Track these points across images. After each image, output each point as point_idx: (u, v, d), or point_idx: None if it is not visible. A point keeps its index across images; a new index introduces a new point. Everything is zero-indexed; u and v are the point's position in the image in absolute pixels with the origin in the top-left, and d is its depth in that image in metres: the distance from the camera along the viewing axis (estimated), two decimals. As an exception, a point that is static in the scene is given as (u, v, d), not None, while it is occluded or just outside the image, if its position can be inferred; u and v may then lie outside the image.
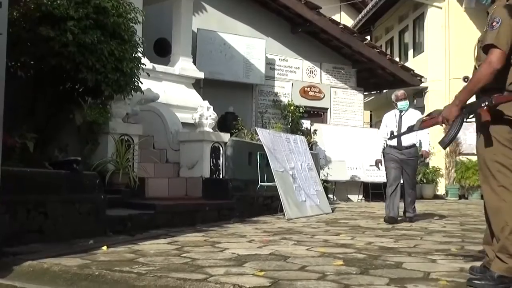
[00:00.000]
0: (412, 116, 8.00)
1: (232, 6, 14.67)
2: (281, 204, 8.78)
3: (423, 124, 4.11)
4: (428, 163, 16.92)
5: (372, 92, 19.81)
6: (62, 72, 6.71)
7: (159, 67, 11.09)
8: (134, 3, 7.67)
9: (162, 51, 12.60)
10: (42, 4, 6.38)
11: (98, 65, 6.63)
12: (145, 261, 4.28)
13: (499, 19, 3.38)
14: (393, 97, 8.55)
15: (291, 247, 5.24)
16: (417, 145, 8.55)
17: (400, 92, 8.56)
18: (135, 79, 7.46)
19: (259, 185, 9.34)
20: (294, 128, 14.69)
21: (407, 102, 8.50)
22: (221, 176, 9.32)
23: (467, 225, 7.84)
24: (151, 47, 11.84)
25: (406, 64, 18.30)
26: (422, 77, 17.09)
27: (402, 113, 8.42)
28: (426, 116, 4.81)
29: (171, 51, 12.05)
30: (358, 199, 15.47)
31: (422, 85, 17.53)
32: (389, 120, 8.65)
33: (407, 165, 8.34)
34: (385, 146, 8.67)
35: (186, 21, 11.97)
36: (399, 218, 8.30)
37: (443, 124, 3.74)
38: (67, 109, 7.49)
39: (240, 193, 8.98)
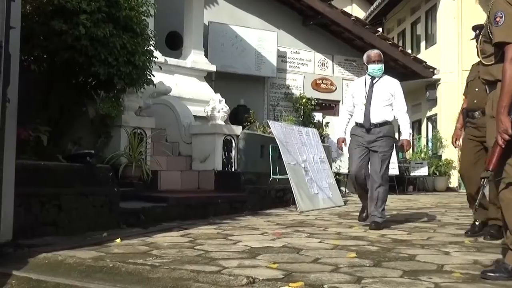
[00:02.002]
0: (388, 86, 6.38)
1: (243, -1, 14.65)
2: (294, 196, 8.77)
3: (493, 163, 3.40)
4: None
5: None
6: (75, 65, 6.74)
7: (171, 60, 11.10)
8: (146, -4, 7.68)
9: (174, 44, 12.61)
10: (54, -2, 6.40)
11: (110, 59, 6.65)
12: (158, 254, 4.30)
13: (501, 13, 3.32)
14: (364, 58, 6.57)
15: (304, 240, 5.24)
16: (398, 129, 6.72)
17: (374, 51, 6.57)
18: (147, 72, 7.48)
19: (271, 178, 9.33)
20: (306, 121, 14.65)
21: (381, 66, 6.44)
22: (233, 169, 9.33)
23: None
24: (163, 40, 11.85)
25: (418, 56, 18.18)
26: (434, 69, 16.98)
27: (374, 81, 6.41)
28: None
29: (183, 44, 12.06)
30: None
31: (434, 77, 17.42)
32: (357, 89, 6.56)
33: (375, 147, 6.23)
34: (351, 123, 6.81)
35: (198, 14, 11.97)
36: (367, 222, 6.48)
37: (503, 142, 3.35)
38: (80, 103, 7.54)
39: (252, 186, 8.98)
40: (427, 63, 16.71)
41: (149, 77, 7.60)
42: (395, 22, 23.39)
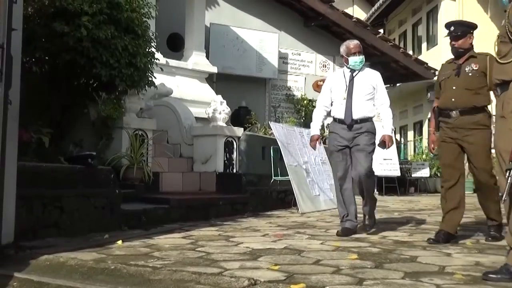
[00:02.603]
0: (369, 79, 5.85)
1: (244, 0, 14.65)
2: (295, 198, 8.77)
3: None
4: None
5: (385, 86, 19.71)
6: (77, 67, 6.75)
7: (173, 62, 11.11)
8: (147, -2, 7.69)
9: (175, 46, 12.62)
10: (56, 0, 6.41)
11: (112, 60, 6.66)
12: (160, 255, 4.30)
13: None
14: (342, 49, 5.91)
15: (305, 241, 5.24)
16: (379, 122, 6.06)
17: (353, 42, 5.93)
18: (149, 74, 7.49)
19: (272, 180, 9.33)
20: (308, 122, 14.64)
21: (362, 58, 5.84)
22: (234, 171, 9.33)
23: (482, 219, 7.77)
24: (164, 42, 11.87)
25: (420, 57, 18.19)
26: (436, 70, 16.95)
27: (354, 73, 5.84)
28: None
29: (184, 46, 12.08)
30: (371, 193, 15.41)
31: (436, 78, 17.41)
32: (336, 82, 5.93)
33: (357, 144, 5.71)
34: (330, 120, 6.21)
35: (199, 15, 11.98)
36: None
37: None
38: (81, 104, 7.55)
39: (254, 187, 8.98)
40: (429, 65, 16.71)
41: (150, 79, 7.60)
42: (397, 23, 23.40)
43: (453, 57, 5.46)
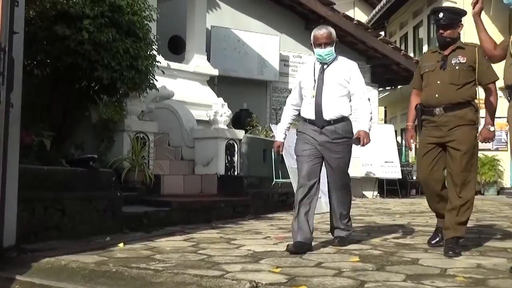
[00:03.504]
0: (342, 71, 4.98)
1: (245, 3, 14.66)
2: (296, 200, 8.75)
3: None
4: None
5: (386, 88, 19.72)
6: (78, 70, 6.75)
7: (174, 65, 11.11)
8: (149, 0, 7.68)
9: (176, 48, 12.63)
10: (58, 3, 6.43)
11: (113, 63, 6.66)
12: (161, 258, 4.31)
13: None
14: (311, 38, 5.10)
15: (306, 244, 5.23)
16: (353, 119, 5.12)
17: (321, 30, 5.00)
18: (150, 77, 7.49)
19: (274, 182, 9.34)
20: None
21: (330, 50, 4.95)
22: (236, 173, 9.33)
23: (484, 221, 7.79)
24: (165, 45, 11.86)
25: (421, 59, 18.16)
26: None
27: (325, 66, 5.01)
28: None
29: (185, 48, 12.08)
30: (373, 195, 15.42)
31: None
32: (305, 77, 5.11)
33: (331, 152, 4.92)
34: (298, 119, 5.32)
35: (200, 18, 11.99)
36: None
37: None
38: (83, 107, 7.55)
39: (255, 189, 8.98)
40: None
41: (152, 82, 7.61)
42: (397, 25, 23.40)
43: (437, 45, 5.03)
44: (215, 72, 12.15)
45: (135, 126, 8.00)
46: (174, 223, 6.75)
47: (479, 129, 4.74)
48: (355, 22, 15.37)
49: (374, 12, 22.47)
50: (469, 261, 4.24)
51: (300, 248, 4.59)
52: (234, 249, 4.87)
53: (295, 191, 5.10)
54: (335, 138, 4.90)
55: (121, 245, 4.93)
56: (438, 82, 4.76)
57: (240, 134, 9.55)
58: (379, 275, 3.68)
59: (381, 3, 21.50)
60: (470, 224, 7.12)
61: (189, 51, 11.89)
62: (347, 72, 4.99)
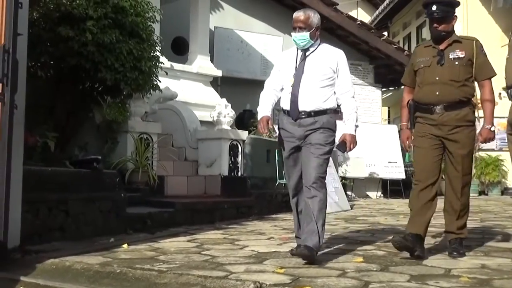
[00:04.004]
0: (327, 59, 4.45)
1: (248, 3, 14.66)
2: (300, 201, 8.74)
3: None
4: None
5: (390, 88, 19.68)
6: (82, 71, 6.78)
7: (177, 66, 11.13)
8: (152, 2, 7.72)
9: (179, 49, 12.64)
10: (61, 4, 6.45)
11: (117, 64, 6.69)
12: (165, 259, 4.31)
13: None
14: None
15: (310, 244, 5.23)
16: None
17: (297, 14, 4.47)
18: (154, 78, 7.51)
19: (277, 183, 9.33)
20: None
21: (304, 36, 4.40)
22: (239, 174, 9.33)
23: (488, 222, 7.77)
24: (169, 46, 11.88)
25: (424, 59, 18.12)
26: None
27: (308, 53, 4.48)
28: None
29: (188, 49, 12.09)
30: (376, 196, 15.40)
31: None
32: (286, 63, 4.59)
33: (309, 140, 4.35)
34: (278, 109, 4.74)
35: (203, 19, 12.01)
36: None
37: None
38: (86, 108, 7.58)
39: (259, 190, 8.98)
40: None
41: (155, 83, 7.63)
42: (401, 25, 23.36)
43: (430, 40, 4.73)
44: (218, 73, 12.16)
45: (138, 127, 8.01)
46: (178, 224, 6.75)
47: (477, 128, 4.57)
48: (358, 22, 15.35)
49: (377, 12, 22.44)
50: (474, 262, 4.23)
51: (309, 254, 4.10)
52: (238, 249, 4.87)
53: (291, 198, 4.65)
54: (314, 128, 4.34)
55: (125, 246, 4.94)
56: (437, 78, 4.44)
57: (244, 134, 9.55)
58: (383, 275, 3.68)
59: (384, 3, 21.47)
60: (474, 224, 7.13)
61: (192, 52, 11.91)
62: (333, 61, 4.45)
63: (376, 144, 15.03)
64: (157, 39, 7.70)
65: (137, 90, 7.35)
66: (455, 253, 4.43)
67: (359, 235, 6.02)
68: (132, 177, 7.49)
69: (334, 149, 4.54)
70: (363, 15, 22.58)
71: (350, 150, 4.48)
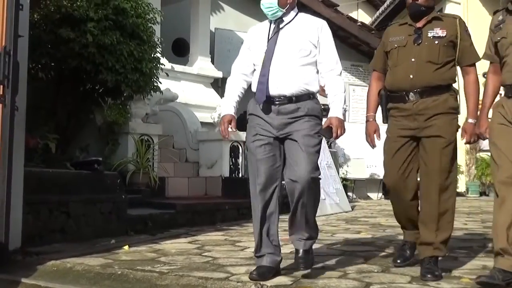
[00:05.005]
0: (305, 31, 3.75)
1: (249, 5, 14.63)
2: (301, 202, 8.73)
3: None
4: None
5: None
6: (82, 73, 6.78)
7: (178, 67, 11.13)
8: (153, 3, 7.72)
9: (180, 51, 12.64)
10: (62, 6, 6.46)
11: (117, 66, 6.69)
12: (166, 260, 4.31)
13: None
14: None
15: (311, 246, 5.23)
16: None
17: None
18: (154, 79, 7.52)
19: (278, 184, 9.31)
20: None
21: (272, 2, 3.80)
22: (240, 175, 9.33)
23: (489, 223, 7.75)
24: (169, 47, 11.88)
25: (425, 60, 18.12)
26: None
27: (282, 25, 3.80)
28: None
29: (189, 51, 12.09)
30: (377, 196, 15.39)
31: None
32: (256, 37, 3.93)
33: (293, 137, 3.63)
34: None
35: (204, 20, 12.01)
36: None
37: None
38: (87, 110, 7.58)
39: (260, 192, 8.95)
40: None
41: (156, 84, 7.63)
42: (401, 27, 23.38)
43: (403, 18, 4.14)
44: (219, 74, 12.16)
45: (139, 128, 8.01)
46: (179, 225, 6.74)
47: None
48: (359, 23, 15.37)
49: (377, 13, 22.43)
50: (475, 263, 4.23)
51: (265, 275, 3.56)
52: (239, 251, 4.87)
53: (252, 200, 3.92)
54: (298, 116, 3.62)
55: (126, 247, 4.94)
56: (413, 59, 3.77)
57: (244, 136, 9.53)
58: (384, 276, 3.68)
59: (385, 5, 21.46)
60: (475, 225, 7.12)
61: (193, 53, 11.91)
62: (313, 33, 3.74)
63: (377, 144, 15.00)
64: (158, 40, 7.70)
65: (138, 92, 7.35)
66: (429, 276, 3.58)
67: (360, 236, 6.01)
68: (133, 178, 7.49)
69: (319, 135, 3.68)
70: (363, 16, 22.56)
71: (337, 137, 3.68)
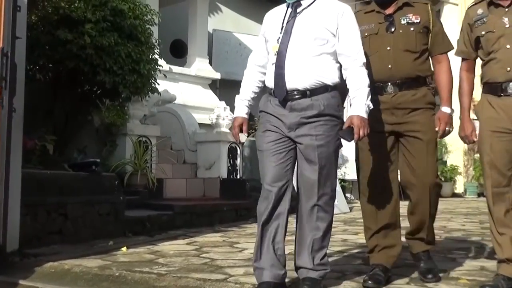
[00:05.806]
0: (324, 16, 3.23)
1: (247, 6, 14.68)
2: (299, 203, 8.74)
3: None
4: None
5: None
6: (80, 74, 6.78)
7: (176, 68, 11.13)
8: (150, 5, 7.73)
9: (178, 52, 12.65)
10: (60, 8, 6.46)
11: (115, 67, 6.69)
12: (164, 262, 4.31)
13: None
14: None
15: (309, 247, 5.22)
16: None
17: None
18: (152, 81, 7.51)
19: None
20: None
21: None
22: (238, 177, 9.33)
23: (487, 224, 7.73)
24: (167, 49, 11.89)
25: (423, 61, 18.13)
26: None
27: (299, 9, 3.28)
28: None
29: (187, 52, 12.10)
30: (375, 198, 15.37)
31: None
32: (272, 23, 3.44)
33: (306, 138, 3.21)
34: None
35: (202, 22, 12.02)
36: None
37: None
38: (85, 111, 7.57)
39: (258, 193, 8.88)
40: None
41: (154, 85, 7.62)
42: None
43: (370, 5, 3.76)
44: (217, 75, 12.17)
45: (137, 130, 8.01)
46: (177, 226, 6.74)
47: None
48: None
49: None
50: (473, 264, 4.23)
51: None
52: (237, 252, 4.87)
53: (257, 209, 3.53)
54: (312, 117, 3.18)
55: (124, 249, 4.93)
56: (388, 48, 3.52)
57: (242, 137, 9.52)
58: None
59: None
60: (473, 226, 7.13)
61: (191, 54, 11.91)
62: (332, 20, 3.23)
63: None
64: (156, 42, 7.70)
65: (136, 93, 7.34)
66: (429, 275, 3.55)
67: (358, 238, 6.01)
68: (131, 180, 7.48)
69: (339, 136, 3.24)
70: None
71: (360, 138, 3.14)
